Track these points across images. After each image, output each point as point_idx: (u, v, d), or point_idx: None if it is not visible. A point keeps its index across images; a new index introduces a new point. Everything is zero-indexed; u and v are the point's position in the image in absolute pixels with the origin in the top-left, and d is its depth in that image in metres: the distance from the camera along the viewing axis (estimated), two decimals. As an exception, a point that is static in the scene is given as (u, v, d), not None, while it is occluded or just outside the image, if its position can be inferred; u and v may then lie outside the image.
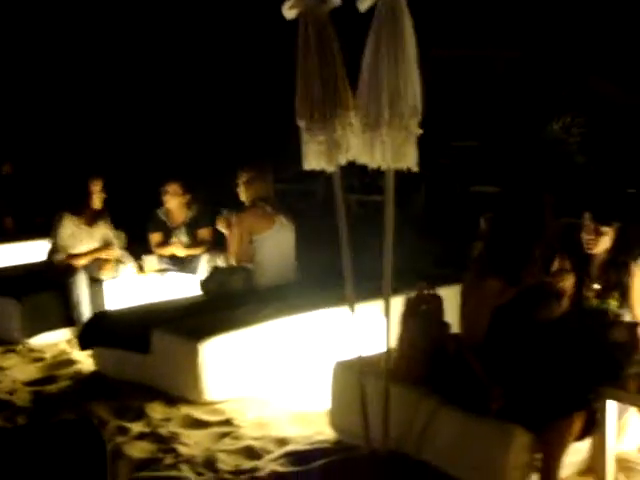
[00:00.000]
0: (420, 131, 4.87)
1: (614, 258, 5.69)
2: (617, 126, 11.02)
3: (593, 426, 5.00)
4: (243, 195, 7.63)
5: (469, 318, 5.16)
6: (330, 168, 5.08)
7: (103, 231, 8.69)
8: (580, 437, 5.01)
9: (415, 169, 4.94)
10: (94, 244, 8.58)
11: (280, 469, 5.30)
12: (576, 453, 5.13)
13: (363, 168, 5.14)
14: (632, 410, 5.35)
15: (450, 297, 5.72)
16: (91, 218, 8.65)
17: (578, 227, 5.75)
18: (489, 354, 5.07)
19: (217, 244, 8.47)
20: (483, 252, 5.21)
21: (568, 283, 5.38)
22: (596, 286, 5.64)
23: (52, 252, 8.59)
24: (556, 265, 5.66)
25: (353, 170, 5.43)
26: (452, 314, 5.59)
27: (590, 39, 11.56)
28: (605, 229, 5.63)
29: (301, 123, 5.05)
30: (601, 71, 11.55)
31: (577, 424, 4.91)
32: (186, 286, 8.24)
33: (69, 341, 8.06)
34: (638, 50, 11.49)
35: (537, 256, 5.14)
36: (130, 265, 8.70)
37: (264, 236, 7.43)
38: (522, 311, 5.10)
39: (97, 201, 8.67)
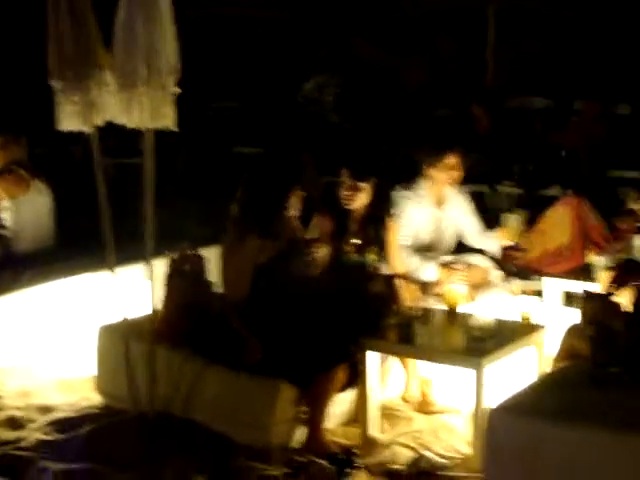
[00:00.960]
0: (178, 90, 4.83)
1: (372, 213, 5.85)
2: (374, 86, 11.28)
3: (356, 377, 5.14)
4: None
5: (231, 277, 5.20)
6: (86, 129, 4.98)
7: None
8: (344, 388, 5.15)
9: (174, 129, 4.90)
10: None
11: (45, 437, 5.19)
12: (341, 404, 5.27)
13: (122, 131, 5.06)
14: (392, 359, 5.55)
15: (212, 257, 5.74)
16: None
17: (337, 184, 5.87)
18: (252, 312, 5.13)
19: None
20: (240, 212, 5.25)
21: (322, 252, 5.48)
22: (355, 241, 5.78)
23: None
24: (315, 222, 5.78)
25: (111, 132, 5.34)
26: (215, 273, 5.62)
27: (353, 2, 11.76)
28: (362, 185, 5.77)
29: (54, 83, 4.92)
30: (364, 34, 11.77)
31: (340, 376, 5.04)
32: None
33: None
34: (399, 13, 11.78)
35: (291, 210, 5.23)
36: None
37: (19, 201, 7.22)
38: (281, 268, 5.19)
39: None
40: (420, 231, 6.32)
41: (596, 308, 4.76)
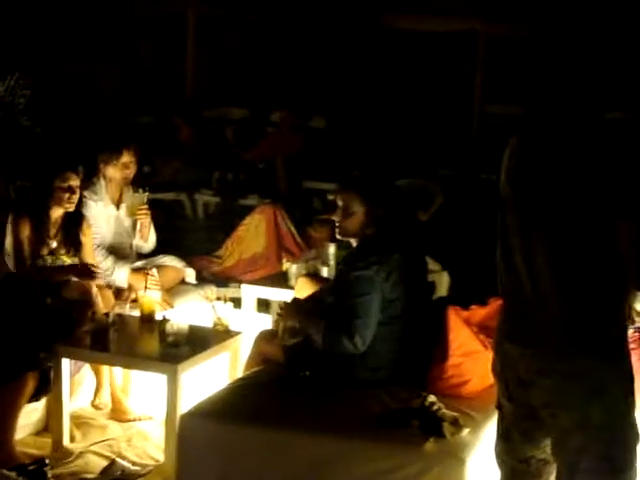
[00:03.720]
0: None
1: (69, 217, 5.77)
2: (68, 90, 11.06)
3: (47, 385, 5.01)
4: None
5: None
6: None
7: None
8: (34, 397, 5.01)
9: None
10: None
11: None
12: (31, 413, 5.13)
13: None
14: (85, 366, 5.46)
15: None
16: None
17: (39, 190, 5.74)
18: None
19: None
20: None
21: None
22: (53, 244, 5.69)
23: None
24: (13, 226, 5.64)
25: None
26: None
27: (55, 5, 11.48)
28: (76, 185, 5.70)
29: None
30: (64, 40, 11.50)
31: (29, 385, 4.89)
32: None
33: None
34: (101, 17, 11.61)
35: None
36: None
37: None
38: None
39: None
40: (103, 232, 6.26)
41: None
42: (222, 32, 11.55)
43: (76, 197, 5.75)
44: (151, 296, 5.53)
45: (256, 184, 9.46)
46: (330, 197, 5.83)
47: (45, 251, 5.71)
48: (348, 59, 11.18)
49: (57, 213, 5.78)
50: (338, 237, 4.77)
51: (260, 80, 11.35)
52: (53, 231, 5.78)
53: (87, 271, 5.68)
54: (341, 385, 4.48)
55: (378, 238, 4.57)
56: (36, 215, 5.69)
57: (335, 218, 4.69)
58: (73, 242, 5.82)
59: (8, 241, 5.61)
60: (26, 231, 5.65)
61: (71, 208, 5.75)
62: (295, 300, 4.98)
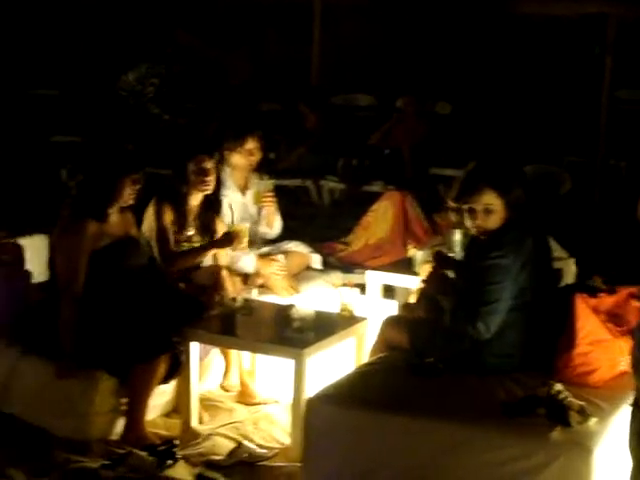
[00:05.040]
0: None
1: (207, 204, 5.86)
2: (196, 78, 11.24)
3: (178, 368, 5.11)
4: None
5: (65, 266, 5.05)
6: None
7: None
8: (165, 379, 5.12)
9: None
10: None
11: None
12: (161, 395, 5.24)
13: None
14: (214, 350, 5.55)
15: (31, 246, 5.63)
16: None
17: (177, 177, 5.84)
18: (84, 299, 5.01)
19: None
20: (75, 197, 5.14)
21: None
22: (190, 231, 5.83)
23: None
24: (151, 211, 5.75)
25: None
26: (34, 263, 5.51)
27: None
28: (212, 166, 5.83)
29: None
30: (187, 25, 11.68)
31: (160, 368, 4.99)
32: None
33: None
34: (224, 4, 11.76)
35: (126, 200, 5.16)
36: None
37: None
38: (115, 257, 5.10)
39: None
40: (229, 219, 6.33)
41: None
42: (348, 18, 11.56)
43: (211, 180, 5.82)
44: (279, 281, 5.58)
45: (381, 171, 9.45)
46: (451, 205, 5.72)
47: (182, 238, 5.83)
48: (474, 44, 11.08)
49: (196, 199, 5.88)
50: (479, 235, 4.68)
51: (386, 66, 11.32)
52: (191, 218, 5.89)
53: (227, 239, 5.76)
54: (467, 371, 4.48)
55: (513, 225, 4.53)
56: (177, 201, 5.80)
57: (475, 222, 4.59)
58: (208, 229, 5.92)
59: (145, 227, 5.72)
60: (168, 217, 5.77)
61: (208, 191, 5.84)
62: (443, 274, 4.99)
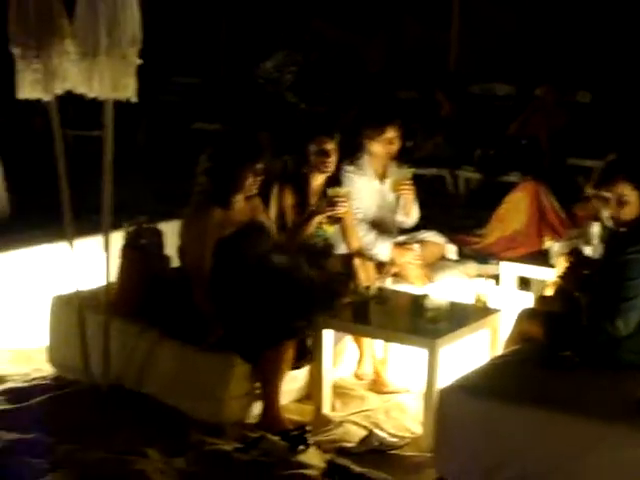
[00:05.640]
0: (139, 61, 4.81)
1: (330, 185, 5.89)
2: (334, 66, 11.29)
3: (305, 354, 5.15)
4: None
5: (192, 249, 5.17)
6: (46, 97, 4.93)
7: None
8: (295, 365, 5.16)
9: (134, 100, 4.89)
10: None
11: (-3, 408, 5.17)
12: (294, 381, 5.28)
13: (82, 103, 5.03)
14: (347, 337, 5.57)
15: (169, 232, 5.73)
16: None
17: (301, 161, 5.89)
18: (212, 285, 5.11)
19: None
20: (203, 184, 5.24)
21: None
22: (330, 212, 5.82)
23: None
24: (276, 197, 5.80)
25: (71, 105, 5.32)
26: (172, 248, 5.61)
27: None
28: (333, 147, 5.84)
29: (15, 50, 4.86)
30: (324, 13, 11.76)
31: (287, 353, 5.03)
32: None
33: None
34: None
35: (251, 187, 5.22)
36: None
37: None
38: (242, 244, 5.19)
39: None
40: (366, 206, 6.32)
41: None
42: (488, 5, 11.44)
43: (331, 161, 5.85)
44: (414, 270, 5.56)
45: (518, 161, 9.35)
46: (589, 192, 5.64)
47: (323, 220, 5.85)
48: (616, 32, 10.83)
49: (317, 181, 5.91)
50: (614, 227, 4.63)
51: (525, 54, 11.17)
52: (314, 200, 5.92)
53: (328, 203, 5.78)
54: (603, 366, 4.39)
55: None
56: (298, 183, 5.85)
57: (608, 210, 4.57)
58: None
59: (272, 212, 5.79)
60: (289, 200, 5.83)
61: (328, 172, 5.87)
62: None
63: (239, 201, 5.25)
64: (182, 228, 5.31)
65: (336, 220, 5.91)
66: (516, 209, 7.75)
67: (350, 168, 6.28)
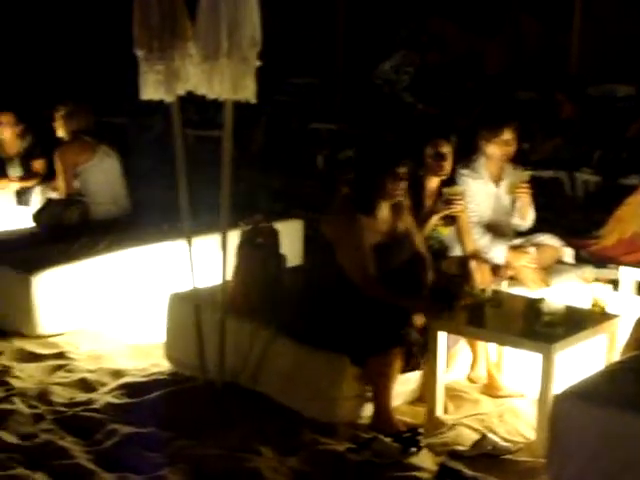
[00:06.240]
0: (259, 62, 4.88)
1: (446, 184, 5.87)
2: (452, 67, 11.24)
3: (412, 358, 5.10)
4: (61, 129, 7.51)
5: (349, 262, 5.12)
6: (168, 98, 5.03)
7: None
8: (404, 370, 5.14)
9: (254, 101, 4.95)
10: None
11: (115, 401, 5.28)
12: (407, 383, 5.28)
13: (202, 103, 5.10)
14: (463, 340, 5.54)
15: (286, 231, 5.78)
16: None
17: (417, 163, 5.89)
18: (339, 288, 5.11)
19: (51, 176, 8.27)
20: (350, 191, 5.24)
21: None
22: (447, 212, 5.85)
23: None
24: None
25: (192, 105, 5.41)
26: (288, 247, 5.66)
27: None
28: (449, 150, 5.86)
29: (139, 52, 4.97)
30: (443, 12, 11.71)
31: (394, 361, 5.01)
32: (19, 218, 8.05)
33: None
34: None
35: (391, 190, 5.20)
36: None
37: (88, 166, 7.36)
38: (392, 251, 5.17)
39: None
40: (481, 209, 6.27)
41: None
42: (610, 5, 11.24)
43: (447, 164, 5.84)
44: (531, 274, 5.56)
45: (639, 163, 9.17)
46: None
47: (439, 222, 5.87)
48: None
49: (433, 183, 5.90)
50: None
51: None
52: (430, 202, 5.90)
53: (444, 202, 5.76)
54: None
55: None
56: (413, 186, 5.83)
57: None
58: (447, 216, 5.90)
59: None
60: (406, 202, 5.81)
61: (444, 175, 5.85)
62: None
63: (383, 208, 5.23)
64: (329, 235, 5.26)
65: (451, 221, 5.89)
66: (636, 212, 7.60)
67: (465, 171, 6.24)
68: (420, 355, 5.10)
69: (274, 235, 5.68)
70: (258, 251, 5.56)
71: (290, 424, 4.99)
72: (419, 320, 5.06)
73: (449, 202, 5.72)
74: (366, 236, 5.10)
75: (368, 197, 5.17)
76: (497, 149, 6.28)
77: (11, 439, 4.82)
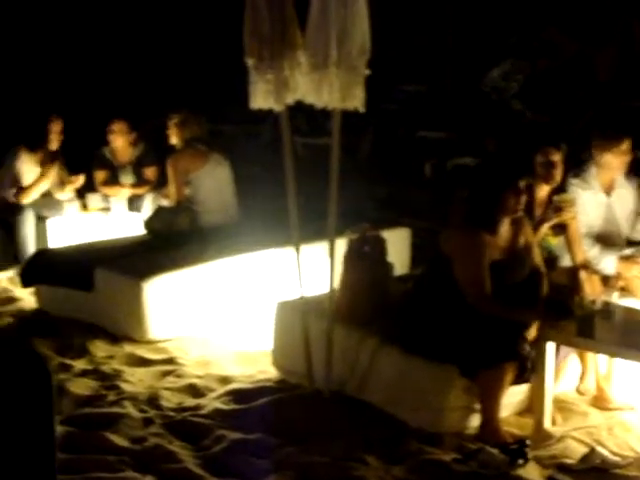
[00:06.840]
0: (368, 71, 4.88)
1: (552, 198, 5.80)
2: (563, 75, 11.08)
3: (525, 372, 5.05)
4: (175, 137, 7.63)
5: (467, 277, 5.06)
6: (278, 107, 5.07)
7: (56, 174, 8.57)
8: (515, 382, 5.09)
9: (362, 110, 4.96)
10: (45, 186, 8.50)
11: (223, 407, 5.34)
12: (515, 394, 5.23)
13: (311, 112, 5.12)
14: (571, 352, 5.46)
15: (393, 239, 5.77)
16: (45, 159, 8.50)
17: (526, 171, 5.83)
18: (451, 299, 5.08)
19: (162, 183, 8.42)
20: (468, 207, 5.21)
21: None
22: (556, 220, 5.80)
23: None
24: None
25: (300, 113, 5.44)
26: (395, 256, 5.65)
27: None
28: (559, 158, 5.81)
29: (249, 61, 5.03)
30: (554, 20, 11.57)
31: (506, 375, 4.96)
32: (130, 225, 8.21)
33: (11, 279, 7.95)
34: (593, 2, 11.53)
35: (511, 206, 5.14)
36: (74, 203, 8.62)
37: (199, 174, 7.45)
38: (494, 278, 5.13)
39: (54, 142, 8.55)
40: (591, 219, 6.17)
41: None
42: None
43: (557, 172, 5.77)
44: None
45: None
46: None
47: (549, 232, 5.82)
48: None
49: (543, 192, 5.84)
50: None
51: None
52: (539, 211, 5.84)
53: (556, 209, 5.69)
54: None
55: None
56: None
57: None
58: (557, 225, 5.84)
59: None
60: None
61: (554, 184, 5.79)
62: None
63: (504, 224, 5.17)
64: (448, 250, 5.17)
65: (561, 231, 5.82)
66: None
67: (575, 181, 6.15)
68: (532, 368, 5.04)
69: (381, 244, 5.68)
70: (365, 260, 5.56)
71: (396, 433, 4.99)
72: (532, 333, 5.01)
73: (559, 209, 5.66)
74: (487, 253, 5.07)
75: (489, 213, 5.11)
76: (614, 159, 6.14)
77: (122, 442, 4.91)
